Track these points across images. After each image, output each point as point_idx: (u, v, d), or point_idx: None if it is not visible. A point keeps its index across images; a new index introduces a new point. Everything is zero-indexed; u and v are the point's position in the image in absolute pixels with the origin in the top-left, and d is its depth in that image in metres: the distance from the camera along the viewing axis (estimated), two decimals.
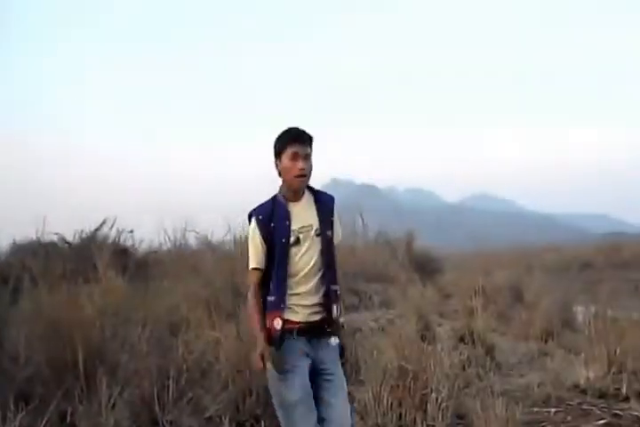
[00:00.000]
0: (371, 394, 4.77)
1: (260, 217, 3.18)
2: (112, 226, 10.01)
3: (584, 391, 5.62)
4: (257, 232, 3.17)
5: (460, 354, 6.24)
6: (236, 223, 10.23)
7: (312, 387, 3.13)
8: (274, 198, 3.24)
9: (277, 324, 3.10)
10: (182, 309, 6.33)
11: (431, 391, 4.68)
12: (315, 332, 3.17)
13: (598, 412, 5.09)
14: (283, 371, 3.03)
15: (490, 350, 7.17)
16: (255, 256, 3.19)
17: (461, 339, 7.63)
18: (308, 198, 3.27)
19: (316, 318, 3.18)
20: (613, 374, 5.76)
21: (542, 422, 4.97)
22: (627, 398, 5.36)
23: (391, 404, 4.65)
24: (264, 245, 3.16)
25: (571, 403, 5.36)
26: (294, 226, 3.17)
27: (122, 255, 9.50)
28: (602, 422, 4.89)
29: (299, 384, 3.05)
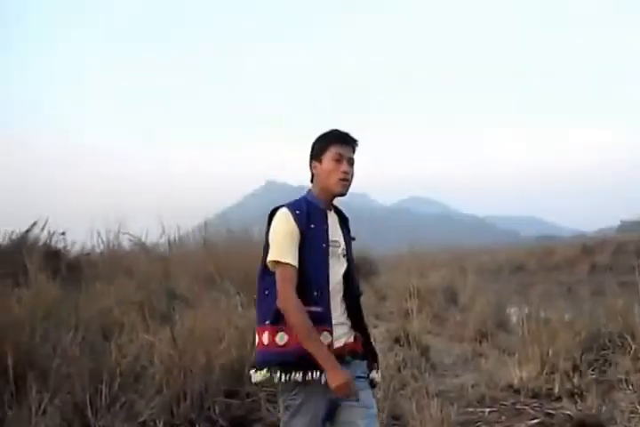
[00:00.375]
0: None
1: (298, 212, 2.67)
2: (43, 228, 9.76)
3: (518, 391, 5.69)
4: (293, 223, 2.64)
5: (396, 355, 6.29)
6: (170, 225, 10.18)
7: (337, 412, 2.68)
8: (305, 200, 2.77)
9: (326, 340, 2.60)
10: (115, 312, 6.20)
11: None
12: (340, 359, 2.60)
13: (531, 411, 5.17)
14: (298, 409, 2.61)
15: (425, 352, 7.23)
16: (293, 250, 2.63)
17: (397, 340, 7.68)
18: (333, 214, 2.84)
19: (341, 342, 2.70)
20: (546, 374, 5.85)
21: (477, 422, 5.03)
22: (559, 398, 5.43)
23: None
24: (300, 238, 2.64)
25: (504, 403, 5.43)
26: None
27: (53, 258, 9.28)
28: (535, 421, 4.96)
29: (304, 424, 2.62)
